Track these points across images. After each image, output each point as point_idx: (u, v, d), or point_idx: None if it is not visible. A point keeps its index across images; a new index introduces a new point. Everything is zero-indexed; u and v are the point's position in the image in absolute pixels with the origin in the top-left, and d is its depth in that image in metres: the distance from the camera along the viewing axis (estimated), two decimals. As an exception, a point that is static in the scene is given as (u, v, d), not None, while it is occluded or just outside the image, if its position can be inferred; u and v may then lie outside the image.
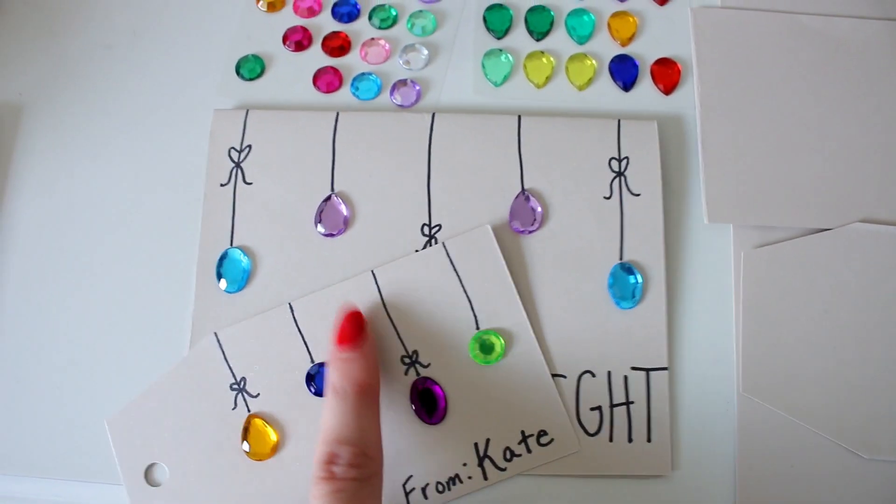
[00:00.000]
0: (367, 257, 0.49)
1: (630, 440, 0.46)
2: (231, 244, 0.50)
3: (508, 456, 0.46)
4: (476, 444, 0.46)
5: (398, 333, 0.47)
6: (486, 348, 0.47)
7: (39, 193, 0.52)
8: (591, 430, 0.47)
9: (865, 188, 0.51)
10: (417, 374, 0.47)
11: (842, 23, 0.54)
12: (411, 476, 0.46)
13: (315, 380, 0.47)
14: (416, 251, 0.49)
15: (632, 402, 0.47)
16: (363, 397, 0.43)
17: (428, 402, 0.46)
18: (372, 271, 0.48)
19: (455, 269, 0.48)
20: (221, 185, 0.51)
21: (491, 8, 0.55)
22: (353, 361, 0.44)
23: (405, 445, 0.46)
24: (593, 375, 0.47)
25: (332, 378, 0.44)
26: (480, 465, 0.46)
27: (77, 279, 0.50)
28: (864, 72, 0.53)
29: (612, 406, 0.47)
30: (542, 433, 0.46)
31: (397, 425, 0.46)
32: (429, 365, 0.47)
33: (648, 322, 0.48)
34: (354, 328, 0.45)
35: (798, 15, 0.54)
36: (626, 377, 0.47)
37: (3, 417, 0.48)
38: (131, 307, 0.50)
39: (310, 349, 0.47)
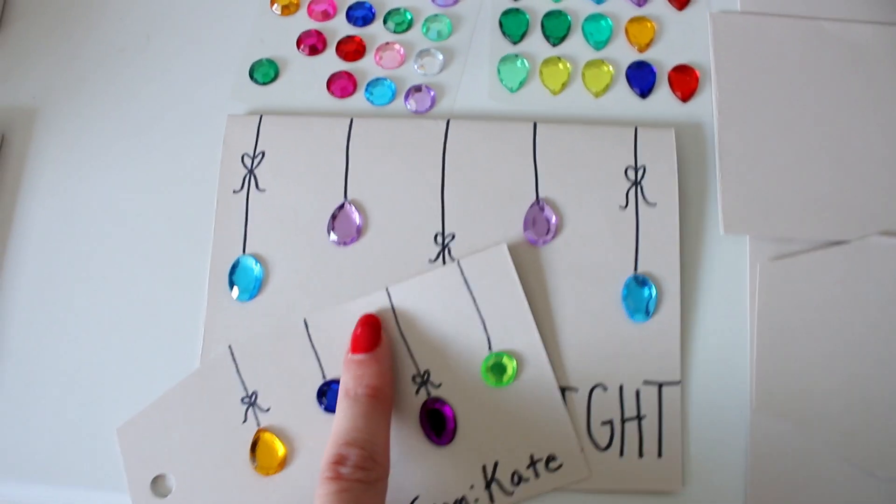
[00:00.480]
0: (380, 266, 0.49)
1: (641, 455, 0.46)
2: (244, 251, 0.50)
3: (516, 480, 0.46)
4: (484, 467, 0.46)
5: (410, 352, 0.47)
6: (498, 370, 0.47)
7: (52, 198, 0.52)
8: (602, 445, 0.46)
9: (885, 199, 0.50)
10: (428, 394, 0.47)
11: (863, 28, 0.53)
12: (418, 497, 0.46)
13: (326, 396, 0.47)
14: (430, 261, 0.49)
15: (643, 417, 0.47)
16: (374, 401, 0.43)
17: (437, 423, 0.46)
18: (386, 289, 0.48)
19: (469, 289, 0.47)
20: (234, 192, 0.51)
21: (507, 12, 0.55)
22: (367, 365, 0.45)
23: (413, 465, 0.46)
24: (605, 389, 0.47)
25: (344, 381, 0.44)
26: (488, 487, 0.46)
27: (89, 284, 0.51)
28: (885, 79, 0.52)
29: (624, 420, 0.47)
30: (552, 458, 0.46)
31: (406, 445, 0.46)
32: (440, 385, 0.47)
33: (662, 335, 0.47)
34: (369, 334, 0.46)
35: (819, 20, 0.53)
36: (638, 391, 0.47)
37: (12, 423, 0.49)
38: (143, 313, 0.50)
39: (322, 365, 0.47)
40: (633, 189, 0.49)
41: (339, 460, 0.40)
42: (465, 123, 0.51)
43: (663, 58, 0.54)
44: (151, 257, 0.51)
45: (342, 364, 0.46)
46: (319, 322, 0.48)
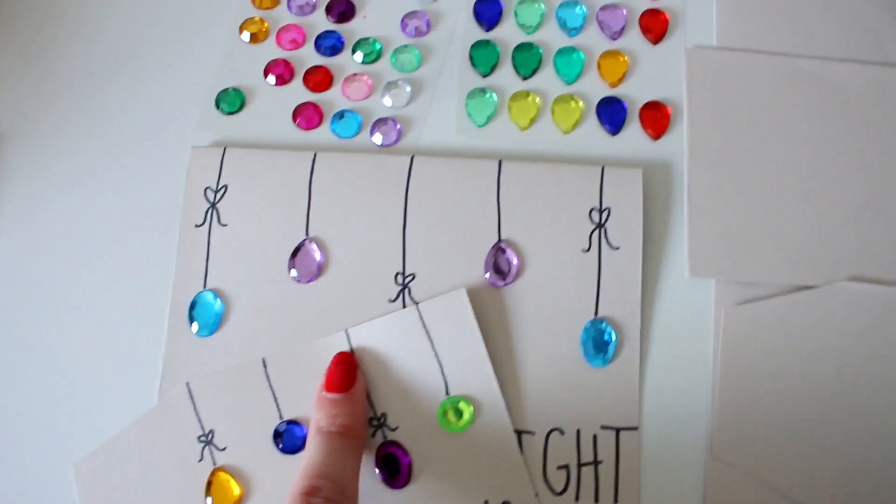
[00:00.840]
0: (340, 305, 0.49)
1: (597, 500, 0.46)
2: (204, 287, 0.50)
3: None
4: None
5: (367, 394, 0.47)
6: (455, 415, 0.46)
7: (15, 225, 0.52)
8: (558, 489, 0.46)
9: (856, 244, 0.49)
10: (384, 437, 0.47)
11: (840, 67, 0.52)
12: None
13: (283, 437, 0.47)
14: (390, 301, 0.48)
15: (600, 462, 0.46)
16: (347, 440, 0.43)
17: (392, 467, 0.46)
18: (346, 331, 0.48)
19: (428, 333, 0.47)
20: (196, 226, 0.50)
21: (477, 45, 0.54)
22: (341, 405, 0.44)
23: None
24: (562, 433, 0.47)
25: (317, 418, 0.44)
26: None
27: (48, 316, 0.51)
28: (861, 120, 0.51)
29: (580, 465, 0.46)
30: None
31: (361, 489, 0.46)
32: (396, 428, 0.47)
33: (620, 380, 0.47)
34: (344, 374, 0.46)
35: (796, 58, 0.52)
36: (595, 436, 0.47)
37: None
38: (102, 347, 0.50)
39: (279, 406, 0.47)
40: (596, 232, 0.49)
41: (310, 492, 0.39)
42: (429, 160, 0.51)
43: (635, 93, 0.53)
44: (114, 290, 0.51)
45: (314, 401, 0.45)
46: (278, 362, 0.48)
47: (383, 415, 0.47)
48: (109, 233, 0.52)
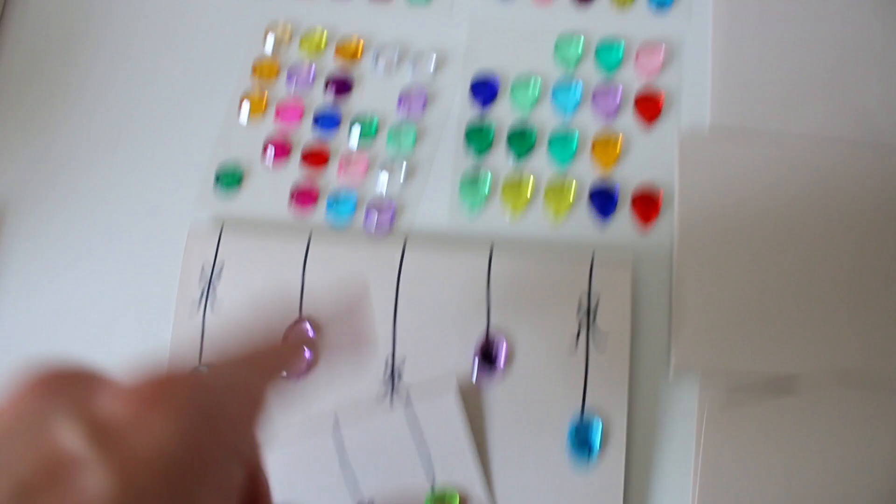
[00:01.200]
0: (330, 389, 0.50)
1: None
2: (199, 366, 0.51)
3: None
4: None
5: (356, 480, 0.48)
6: None
7: (17, 298, 0.54)
8: None
9: (845, 333, 0.49)
10: None
11: (832, 149, 0.52)
12: None
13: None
14: (380, 384, 0.50)
15: (582, 560, 0.48)
16: None
17: None
18: (335, 414, 0.49)
19: (417, 423, 0.48)
20: (192, 304, 0.52)
21: (472, 126, 0.54)
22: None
23: None
24: None
25: None
26: None
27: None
28: (852, 204, 0.51)
29: None
30: None
31: None
32: None
33: (605, 480, 0.48)
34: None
35: (788, 143, 0.52)
36: (578, 535, 0.48)
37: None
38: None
39: None
40: (584, 327, 0.49)
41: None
42: (421, 248, 0.51)
43: (628, 176, 0.53)
44: (110, 365, 0.52)
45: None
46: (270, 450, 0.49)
47: (371, 501, 0.48)
48: (107, 307, 0.53)
